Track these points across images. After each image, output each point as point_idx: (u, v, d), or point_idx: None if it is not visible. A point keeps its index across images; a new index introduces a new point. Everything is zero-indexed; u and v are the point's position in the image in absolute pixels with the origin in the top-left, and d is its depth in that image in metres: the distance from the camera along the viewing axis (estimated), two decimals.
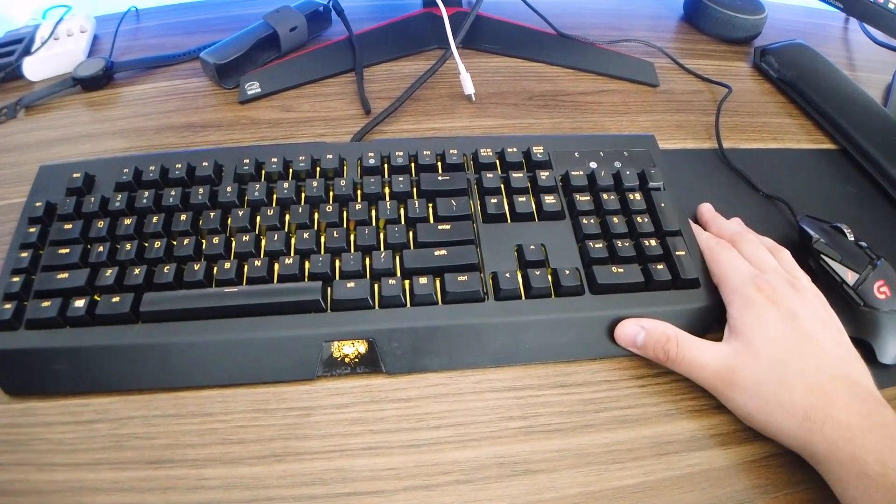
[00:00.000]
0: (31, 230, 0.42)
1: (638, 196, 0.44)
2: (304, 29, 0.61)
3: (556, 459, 0.35)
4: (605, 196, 0.44)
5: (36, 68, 0.60)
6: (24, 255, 0.40)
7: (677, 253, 0.41)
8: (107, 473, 0.34)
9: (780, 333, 0.35)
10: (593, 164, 0.46)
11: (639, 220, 0.42)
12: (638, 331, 0.38)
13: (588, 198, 0.44)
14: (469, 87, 0.55)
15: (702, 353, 0.37)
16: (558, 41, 0.62)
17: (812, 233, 0.43)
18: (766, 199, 0.50)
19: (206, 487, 0.34)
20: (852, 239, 0.42)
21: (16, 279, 0.39)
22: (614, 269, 0.40)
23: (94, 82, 0.58)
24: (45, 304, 0.38)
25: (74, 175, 0.44)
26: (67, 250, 0.40)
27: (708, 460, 0.35)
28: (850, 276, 0.40)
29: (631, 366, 0.39)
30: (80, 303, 0.38)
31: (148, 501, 0.33)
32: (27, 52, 0.61)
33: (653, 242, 0.41)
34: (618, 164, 0.46)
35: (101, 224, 0.41)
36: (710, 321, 0.40)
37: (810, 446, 0.33)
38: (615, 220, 0.42)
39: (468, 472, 0.34)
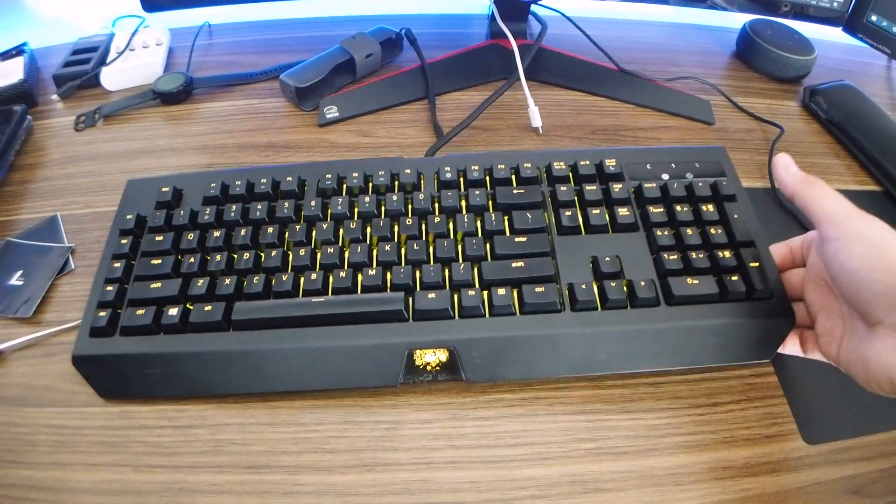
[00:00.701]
0: (123, 241, 0.44)
1: (711, 207, 0.44)
2: (378, 56, 0.62)
3: (623, 480, 0.37)
4: (678, 207, 0.44)
5: (114, 78, 0.62)
6: (116, 265, 0.42)
7: (751, 264, 0.40)
8: (205, 476, 0.37)
9: None
10: (665, 176, 0.47)
11: (712, 231, 0.42)
12: (791, 163, 0.39)
13: (661, 209, 0.44)
14: (537, 120, 0.57)
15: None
16: (618, 76, 0.64)
17: None
18: None
19: (300, 493, 0.36)
20: None
21: (109, 288, 0.41)
22: (689, 280, 0.40)
23: (173, 97, 0.60)
24: (140, 312, 0.40)
25: (163, 189, 0.46)
26: (160, 261, 0.42)
27: (760, 486, 0.37)
28: None
29: (691, 394, 0.41)
30: (173, 311, 0.40)
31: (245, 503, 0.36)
32: (103, 61, 0.63)
33: (727, 254, 0.41)
34: (689, 176, 0.47)
35: (191, 236, 0.43)
36: (785, 332, 0.40)
37: None
38: (689, 231, 0.42)
39: (543, 489, 0.37)
